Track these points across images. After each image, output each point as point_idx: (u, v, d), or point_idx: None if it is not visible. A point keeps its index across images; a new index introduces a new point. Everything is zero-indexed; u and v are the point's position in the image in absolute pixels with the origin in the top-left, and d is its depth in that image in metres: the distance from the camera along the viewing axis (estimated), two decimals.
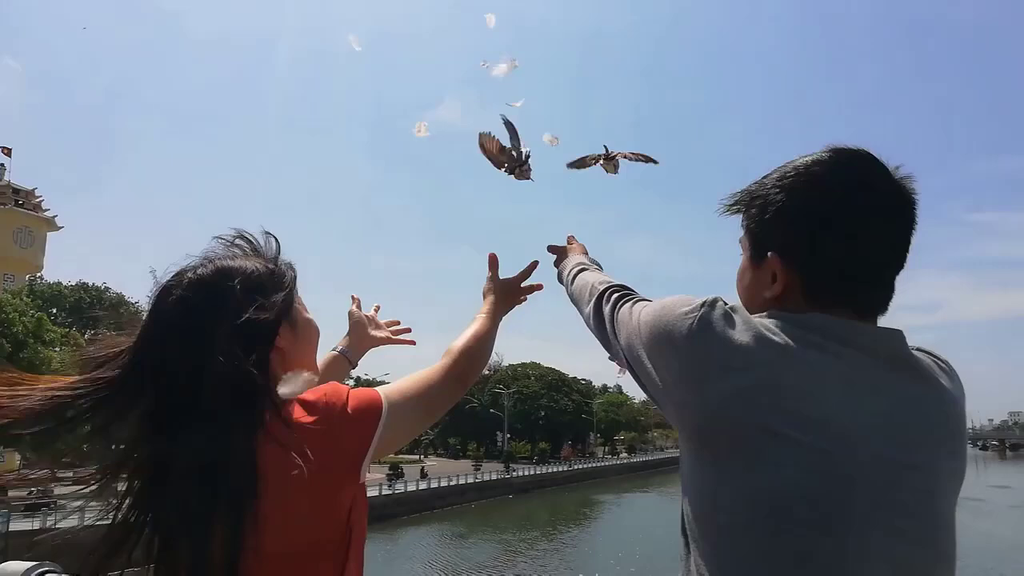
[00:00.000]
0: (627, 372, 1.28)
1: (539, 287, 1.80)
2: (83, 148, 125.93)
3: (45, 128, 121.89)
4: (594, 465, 77.33)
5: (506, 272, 1.78)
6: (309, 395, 1.21)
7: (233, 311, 1.19)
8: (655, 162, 2.56)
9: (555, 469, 68.01)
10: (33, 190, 55.32)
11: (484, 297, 1.74)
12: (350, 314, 1.92)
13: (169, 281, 1.23)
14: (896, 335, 1.10)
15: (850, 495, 0.97)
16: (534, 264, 1.79)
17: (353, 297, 1.96)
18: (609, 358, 1.39)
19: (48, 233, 55.17)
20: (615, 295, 1.38)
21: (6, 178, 54.05)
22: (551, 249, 1.88)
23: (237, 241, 1.33)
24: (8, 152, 54.38)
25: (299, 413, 1.17)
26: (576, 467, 72.47)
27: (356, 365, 1.86)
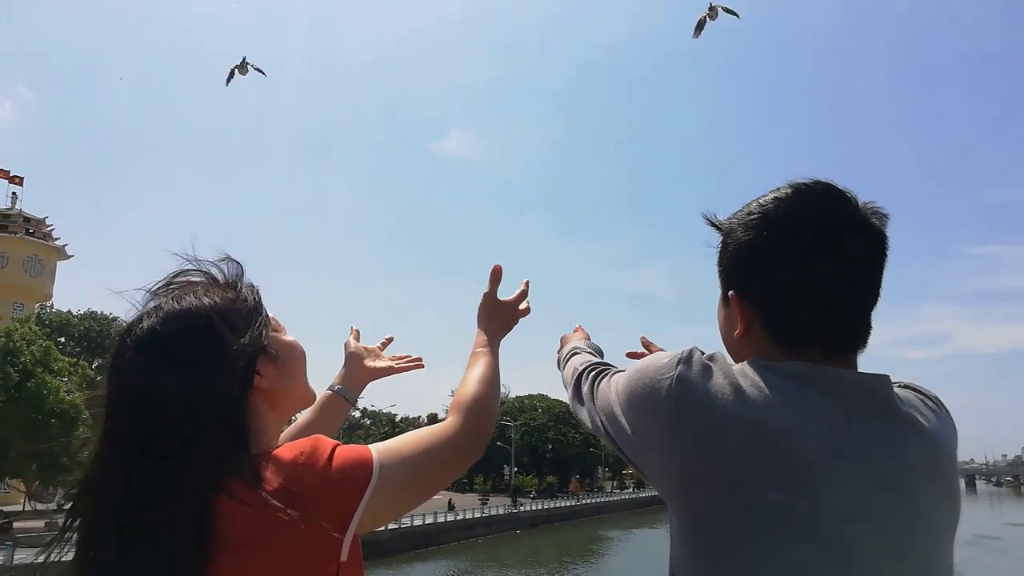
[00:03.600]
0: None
1: (529, 310, 1.66)
2: (95, 176, 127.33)
3: (57, 156, 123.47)
4: (602, 500, 76.62)
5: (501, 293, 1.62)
6: (285, 452, 1.03)
7: (194, 364, 1.03)
8: (737, 15, 4.71)
9: (563, 503, 67.30)
10: (44, 219, 56.00)
11: (480, 320, 1.56)
12: (346, 346, 1.75)
13: (120, 343, 1.08)
14: (880, 381, 1.05)
15: (848, 565, 0.94)
16: (527, 284, 1.67)
17: (352, 329, 1.78)
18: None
19: (58, 262, 55.62)
20: (592, 372, 1.35)
21: (18, 207, 54.65)
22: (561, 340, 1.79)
23: (189, 271, 1.17)
24: (20, 181, 55.06)
25: (270, 476, 1.00)
26: (584, 501, 71.72)
27: (355, 403, 1.69)
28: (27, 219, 54.87)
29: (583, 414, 1.33)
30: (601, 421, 1.22)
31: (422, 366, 1.81)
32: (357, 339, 1.77)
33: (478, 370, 1.40)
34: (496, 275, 1.59)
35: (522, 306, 1.64)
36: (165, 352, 1.04)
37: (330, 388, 1.65)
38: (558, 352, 1.71)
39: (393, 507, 1.08)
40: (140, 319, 1.09)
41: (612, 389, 1.19)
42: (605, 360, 1.45)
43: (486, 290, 1.59)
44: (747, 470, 0.96)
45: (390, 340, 1.83)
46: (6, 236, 52.75)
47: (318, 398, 1.60)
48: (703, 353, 1.08)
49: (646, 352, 1.61)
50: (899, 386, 1.11)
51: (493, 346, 1.51)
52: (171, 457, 0.99)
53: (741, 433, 0.98)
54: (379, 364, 1.74)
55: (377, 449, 1.08)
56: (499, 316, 1.58)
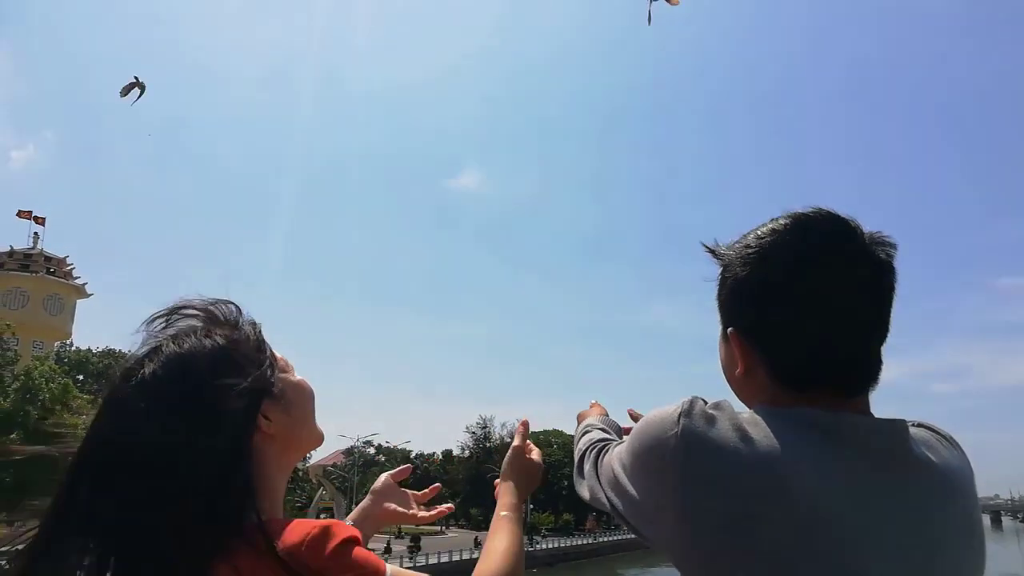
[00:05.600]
0: None
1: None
2: (115, 215, 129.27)
3: (78, 196, 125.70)
4: (620, 537, 75.40)
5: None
6: (295, 530, 0.94)
7: (196, 413, 0.98)
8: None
9: (580, 541, 66.42)
10: (64, 258, 56.72)
11: (507, 475, 1.47)
12: (377, 480, 1.62)
13: (118, 388, 1.02)
14: (897, 427, 1.01)
15: None
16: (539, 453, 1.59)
17: (406, 467, 1.66)
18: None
19: (78, 300, 56.23)
20: (595, 449, 1.31)
21: (39, 246, 55.53)
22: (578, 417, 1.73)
23: (188, 312, 1.12)
24: (42, 221, 55.98)
25: (273, 545, 0.92)
26: (601, 539, 70.70)
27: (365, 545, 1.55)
28: (48, 258, 55.62)
29: (584, 490, 1.28)
30: (605, 493, 1.17)
31: (446, 512, 1.67)
32: (400, 477, 1.64)
33: (504, 542, 1.28)
34: (523, 432, 1.55)
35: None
36: (166, 400, 0.99)
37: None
38: (575, 431, 1.65)
39: None
40: (140, 364, 1.04)
41: (615, 459, 1.14)
42: (609, 438, 1.41)
43: (516, 443, 1.53)
44: (763, 526, 0.91)
45: (436, 489, 1.68)
46: (27, 275, 53.44)
47: None
48: (706, 402, 1.03)
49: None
50: (913, 425, 1.07)
51: (520, 511, 1.41)
52: (166, 514, 0.92)
53: (755, 488, 0.92)
54: (406, 510, 1.59)
55: (392, 571, 0.98)
56: (526, 473, 1.51)
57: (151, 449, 0.96)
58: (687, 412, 1.00)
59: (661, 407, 1.06)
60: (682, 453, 0.97)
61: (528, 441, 1.59)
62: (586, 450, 1.35)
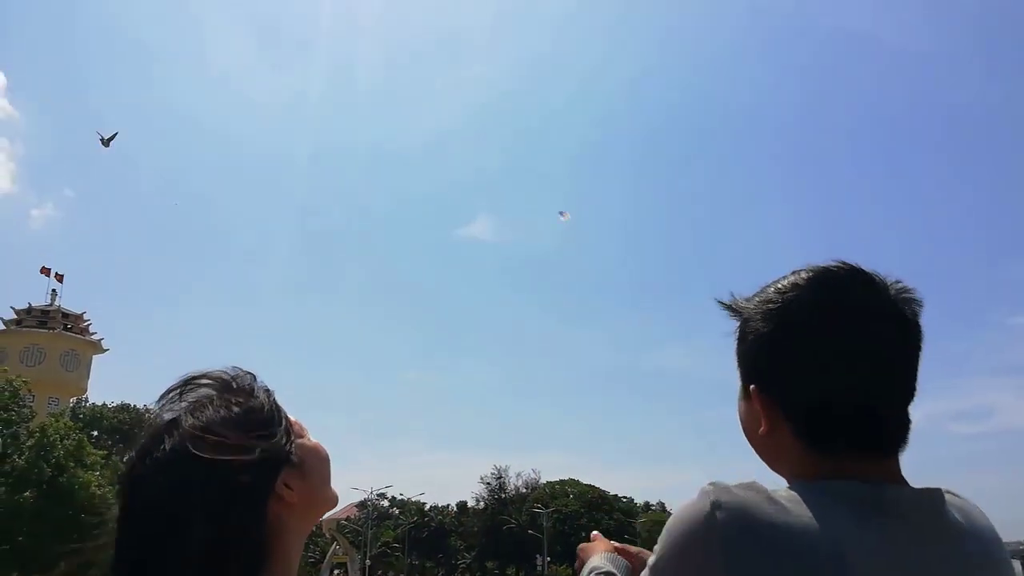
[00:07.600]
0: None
1: None
2: (133, 270, 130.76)
3: (96, 253, 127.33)
4: None
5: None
6: None
7: (217, 490, 0.96)
8: None
9: None
10: (82, 314, 57.31)
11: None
12: None
13: (134, 472, 1.01)
14: (934, 498, 0.97)
15: None
16: None
17: None
18: None
19: (94, 356, 56.64)
20: None
21: (57, 303, 56.24)
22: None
23: (202, 383, 1.10)
24: (60, 278, 56.81)
25: None
26: None
27: None
28: (65, 315, 56.25)
29: None
30: None
31: None
32: None
33: None
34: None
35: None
36: (184, 480, 0.97)
37: None
38: (577, 571, 1.56)
39: None
40: (160, 439, 1.01)
41: None
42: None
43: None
44: None
45: None
46: (44, 332, 53.96)
47: None
48: (729, 488, 0.94)
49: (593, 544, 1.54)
50: (946, 492, 1.03)
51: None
52: None
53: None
54: None
55: None
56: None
57: (171, 533, 0.94)
58: (718, 504, 0.90)
59: (681, 508, 0.96)
60: (725, 556, 0.88)
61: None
62: None
